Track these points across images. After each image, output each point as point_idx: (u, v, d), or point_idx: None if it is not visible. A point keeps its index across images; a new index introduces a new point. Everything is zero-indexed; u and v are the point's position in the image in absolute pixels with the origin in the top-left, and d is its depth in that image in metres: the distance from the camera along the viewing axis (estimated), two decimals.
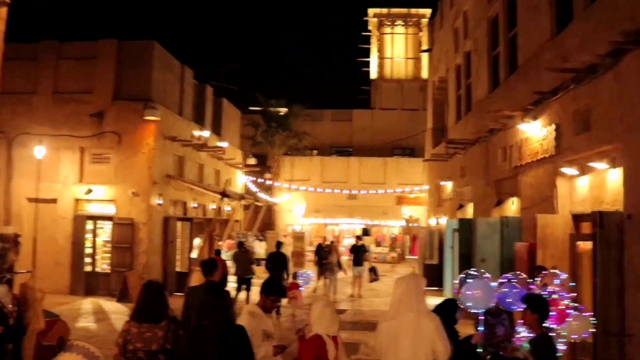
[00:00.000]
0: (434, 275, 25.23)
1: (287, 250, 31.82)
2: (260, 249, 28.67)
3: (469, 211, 21.37)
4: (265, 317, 6.35)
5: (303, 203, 43.22)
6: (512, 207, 16.97)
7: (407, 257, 42.50)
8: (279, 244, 19.98)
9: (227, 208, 29.36)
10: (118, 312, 17.57)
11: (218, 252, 20.42)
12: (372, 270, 21.24)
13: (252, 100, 42.92)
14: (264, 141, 41.57)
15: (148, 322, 5.83)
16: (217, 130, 29.47)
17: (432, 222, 28.41)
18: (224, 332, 5.93)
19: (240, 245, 20.81)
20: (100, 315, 16.96)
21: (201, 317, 6.87)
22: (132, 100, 20.87)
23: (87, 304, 18.91)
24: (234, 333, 5.77)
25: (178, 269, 22.71)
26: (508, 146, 15.75)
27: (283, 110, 42.07)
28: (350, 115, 50.29)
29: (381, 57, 50.79)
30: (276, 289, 6.50)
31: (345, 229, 43.87)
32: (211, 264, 8.86)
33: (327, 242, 22.01)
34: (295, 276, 19.81)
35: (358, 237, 23.23)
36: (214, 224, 24.40)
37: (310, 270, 22.79)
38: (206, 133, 25.97)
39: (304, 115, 43.20)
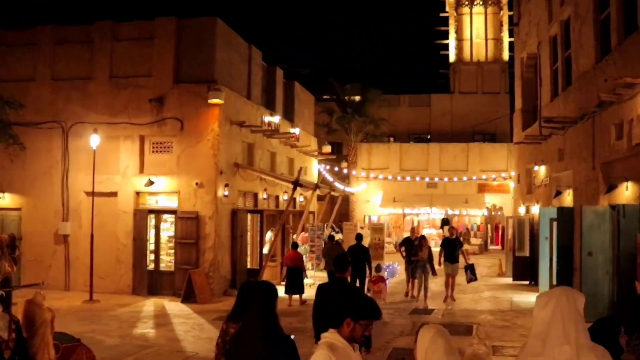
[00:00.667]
0: (524, 269, 23.20)
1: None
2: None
3: (567, 198, 19.04)
4: (352, 353, 4.33)
5: (380, 192, 41.35)
6: (625, 193, 14.63)
7: (489, 247, 40.02)
8: (360, 237, 18.34)
9: (300, 199, 27.76)
10: (181, 314, 16.22)
11: (295, 245, 19.05)
12: (469, 268, 18.82)
13: (326, 85, 41.21)
14: (339, 128, 39.74)
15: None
16: (289, 116, 27.88)
17: (522, 210, 26.04)
18: None
19: (332, 238, 19.53)
20: (162, 319, 15.58)
21: None
22: (194, 83, 19.46)
23: (150, 305, 17.68)
24: None
25: (249, 266, 21.27)
26: (626, 121, 13.44)
27: (357, 98, 40.12)
28: (428, 100, 48.06)
29: (459, 39, 48.13)
30: (371, 310, 4.47)
31: (425, 219, 41.73)
32: (344, 260, 8.34)
33: (417, 235, 19.81)
34: (378, 268, 18.25)
35: (451, 228, 20.31)
36: (286, 215, 22.83)
37: (396, 263, 21.03)
38: (277, 118, 24.40)
39: (381, 101, 41.21)
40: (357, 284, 16.16)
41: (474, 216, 40.45)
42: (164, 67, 19.71)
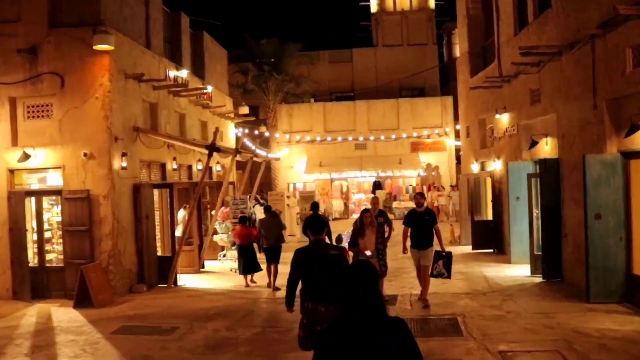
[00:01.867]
0: (487, 235, 19.89)
1: (292, 213, 26.60)
2: (262, 214, 23.11)
3: (545, 149, 15.73)
4: None
5: (305, 157, 37.57)
6: None
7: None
8: (316, 206, 16.61)
9: (217, 168, 23.54)
10: (71, 327, 11.95)
11: (244, 219, 16.44)
12: (444, 258, 12.61)
13: (239, 41, 36.69)
14: (256, 89, 35.43)
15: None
16: (198, 72, 23.39)
17: (475, 167, 22.76)
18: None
19: (268, 209, 16.54)
20: (43, 338, 11.18)
21: None
22: (76, 26, 14.80)
23: (32, 315, 13.27)
24: None
25: (159, 253, 17.06)
26: None
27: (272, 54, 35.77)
28: (350, 56, 44.30)
29: None
30: None
31: (356, 183, 38.24)
32: (319, 221, 7.60)
33: (367, 206, 15.83)
34: (339, 239, 15.06)
35: (418, 196, 13.41)
36: (202, 188, 18.65)
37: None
38: (184, 73, 20.06)
39: (299, 57, 37.14)
40: None
41: (409, 177, 37.22)
42: (35, 8, 14.95)
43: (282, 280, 13.17)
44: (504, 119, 18.92)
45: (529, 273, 15.45)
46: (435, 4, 43.92)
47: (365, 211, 11.98)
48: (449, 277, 12.76)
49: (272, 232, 15.42)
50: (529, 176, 15.61)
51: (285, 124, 37.68)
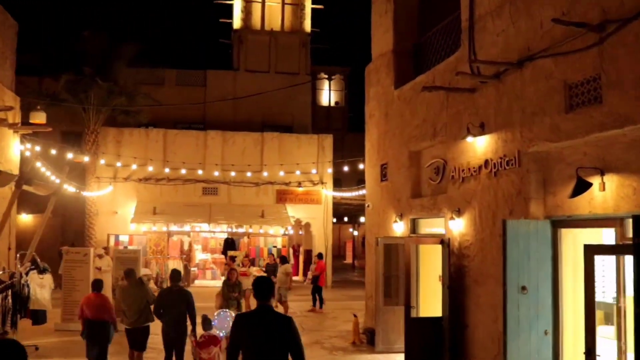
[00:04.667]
0: (435, 345, 11.70)
1: (107, 280, 17.27)
2: (40, 288, 13.60)
3: (599, 198, 7.84)
4: None
5: (134, 200, 28.00)
6: None
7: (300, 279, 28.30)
8: (176, 274, 11.14)
9: None
10: None
11: (97, 285, 11.45)
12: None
13: (53, 29, 26.81)
14: (70, 98, 25.30)
15: None
16: None
17: (399, 228, 14.43)
18: None
19: (130, 273, 11.64)
20: None
21: None
22: None
23: None
24: None
25: None
26: None
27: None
28: (203, 78, 35.32)
29: (248, 0, 36.13)
30: None
31: (200, 240, 29.03)
32: (267, 283, 6.28)
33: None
34: (206, 321, 10.87)
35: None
36: None
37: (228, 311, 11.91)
38: None
39: (137, 73, 28.04)
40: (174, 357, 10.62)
41: (273, 236, 28.58)
42: None
43: None
44: (477, 145, 10.87)
45: None
46: (312, 31, 36.38)
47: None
48: None
49: (134, 306, 11.15)
50: (591, 250, 7.42)
51: (111, 153, 27.93)
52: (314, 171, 29.35)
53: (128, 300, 11.17)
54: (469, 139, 10.92)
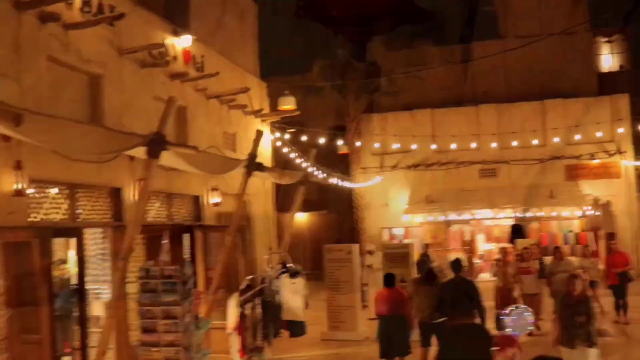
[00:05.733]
0: None
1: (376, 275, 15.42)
2: (293, 295, 11.85)
3: None
4: None
5: (405, 189, 25.93)
6: None
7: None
8: (458, 264, 10.61)
9: (213, 199, 12.59)
10: None
11: (390, 279, 10.93)
12: None
13: None
14: (326, 85, 23.73)
15: None
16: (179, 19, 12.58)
17: None
18: None
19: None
20: None
21: None
22: None
23: None
24: None
25: None
26: None
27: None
28: (467, 51, 32.07)
29: None
30: None
31: (483, 228, 25.97)
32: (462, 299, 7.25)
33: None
34: (499, 320, 9.60)
35: None
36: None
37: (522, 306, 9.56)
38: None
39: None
40: None
41: (568, 219, 24.69)
42: None
43: None
44: None
45: None
46: None
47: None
48: None
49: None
50: None
51: (375, 141, 26.16)
52: (607, 140, 24.87)
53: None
54: None
